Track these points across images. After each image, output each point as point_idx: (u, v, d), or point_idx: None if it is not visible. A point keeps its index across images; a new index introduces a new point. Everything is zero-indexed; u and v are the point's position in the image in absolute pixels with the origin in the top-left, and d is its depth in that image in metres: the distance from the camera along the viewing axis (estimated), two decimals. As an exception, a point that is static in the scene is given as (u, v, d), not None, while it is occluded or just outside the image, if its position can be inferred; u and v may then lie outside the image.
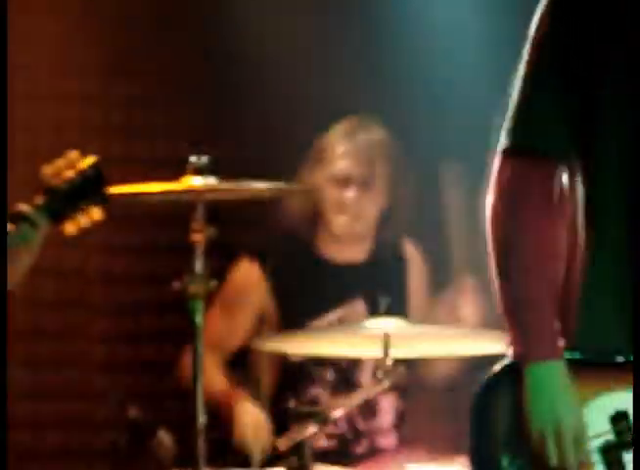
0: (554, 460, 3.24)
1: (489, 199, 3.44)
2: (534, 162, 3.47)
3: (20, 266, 3.96)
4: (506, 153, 3.42)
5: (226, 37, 6.72)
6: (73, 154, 4.01)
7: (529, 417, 3.35)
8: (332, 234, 5.77)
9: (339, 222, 5.71)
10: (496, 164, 3.44)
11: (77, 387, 6.34)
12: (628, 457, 3.22)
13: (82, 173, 4.01)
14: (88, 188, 4.03)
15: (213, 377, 5.36)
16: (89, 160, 4.01)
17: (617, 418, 3.34)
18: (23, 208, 3.88)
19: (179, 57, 6.81)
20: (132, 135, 5.76)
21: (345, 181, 5.69)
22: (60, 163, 3.98)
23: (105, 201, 4.05)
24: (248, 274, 5.71)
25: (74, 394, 6.37)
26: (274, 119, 6.51)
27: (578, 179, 3.48)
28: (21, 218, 3.87)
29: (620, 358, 3.35)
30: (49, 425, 6.34)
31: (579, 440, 3.32)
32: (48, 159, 4.08)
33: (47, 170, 3.95)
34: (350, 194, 5.71)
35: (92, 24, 6.62)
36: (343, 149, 5.77)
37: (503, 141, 3.45)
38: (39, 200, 3.91)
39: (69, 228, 3.94)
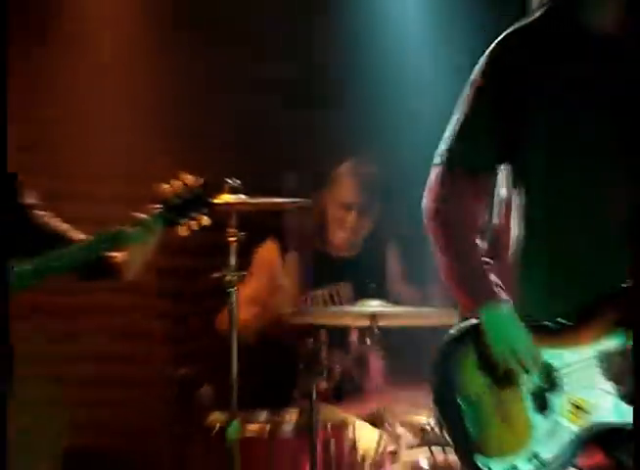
0: (520, 372, 4.02)
1: (427, 201, 4.27)
2: (460, 175, 4.23)
3: (136, 260, 4.80)
4: (440, 166, 4.23)
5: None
6: (187, 176, 4.72)
7: (493, 349, 4.06)
8: (331, 242, 6.85)
9: (338, 236, 6.78)
10: (434, 175, 4.25)
11: (142, 354, 7.12)
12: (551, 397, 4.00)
13: (192, 191, 4.71)
14: (196, 202, 4.73)
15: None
16: (198, 181, 4.71)
17: (544, 368, 4.04)
18: (141, 215, 4.58)
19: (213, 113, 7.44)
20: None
21: (349, 207, 6.68)
22: (175, 182, 4.65)
23: (208, 211, 4.77)
24: (269, 250, 6.77)
25: (140, 359, 7.11)
26: (288, 155, 7.21)
27: (515, 186, 4.29)
28: (139, 224, 4.58)
29: (546, 323, 4.11)
30: (116, 384, 7.05)
31: (534, 355, 4.03)
32: (145, 179, 4.86)
33: (165, 188, 4.62)
34: (351, 217, 6.72)
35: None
36: (350, 183, 6.72)
37: (442, 157, 4.25)
38: (156, 210, 4.62)
39: (182, 232, 4.67)
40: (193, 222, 4.67)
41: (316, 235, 6.80)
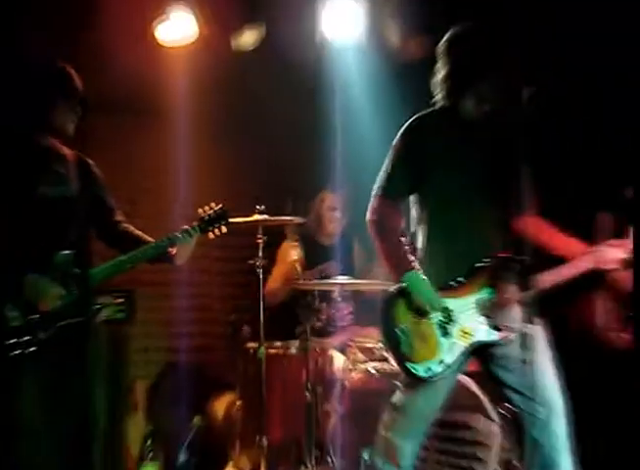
0: (430, 312, 4.12)
1: (369, 216, 4.40)
2: (387, 201, 4.38)
3: (182, 255, 4.66)
4: (377, 196, 4.38)
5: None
6: (212, 204, 4.74)
7: (413, 299, 4.19)
8: (325, 232, 6.68)
9: (330, 227, 6.66)
10: (373, 199, 4.42)
11: (208, 307, 6.98)
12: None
13: (216, 211, 4.71)
14: (220, 217, 4.72)
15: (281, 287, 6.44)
16: (219, 207, 4.73)
17: (444, 309, 4.17)
18: (187, 226, 4.63)
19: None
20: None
21: (334, 209, 6.60)
22: (207, 206, 4.68)
23: (227, 224, 4.76)
24: (289, 245, 6.46)
25: (207, 310, 6.96)
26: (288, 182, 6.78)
27: (423, 203, 4.39)
28: (186, 231, 4.59)
29: (452, 283, 4.20)
30: (193, 324, 6.88)
31: (438, 302, 4.11)
32: (190, 205, 5.03)
33: (200, 210, 4.69)
34: (337, 215, 6.63)
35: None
36: (332, 197, 6.62)
37: (377, 188, 4.39)
38: (195, 223, 4.64)
39: (211, 236, 4.72)
40: (216, 230, 4.71)
41: (315, 228, 6.67)
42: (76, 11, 5.91)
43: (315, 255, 6.64)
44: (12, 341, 4.07)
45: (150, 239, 4.67)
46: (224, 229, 4.78)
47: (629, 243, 4.42)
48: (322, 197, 6.71)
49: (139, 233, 4.72)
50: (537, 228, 4.26)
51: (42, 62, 4.54)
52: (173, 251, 4.66)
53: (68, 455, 3.74)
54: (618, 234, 4.70)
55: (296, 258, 6.39)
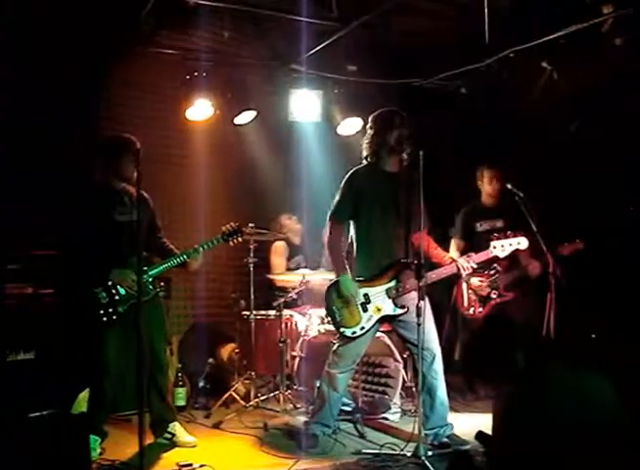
0: (354, 299, 4.31)
1: (325, 234, 4.55)
2: (337, 224, 4.47)
3: (193, 265, 4.56)
4: (330, 219, 4.47)
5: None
6: (231, 223, 4.64)
7: (343, 293, 4.34)
8: (292, 238, 6.44)
9: (294, 235, 6.45)
10: (327, 223, 4.50)
11: (220, 289, 6.56)
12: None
13: (233, 227, 4.61)
14: (237, 231, 4.61)
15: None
16: (234, 225, 4.62)
17: (363, 295, 4.34)
18: (213, 238, 4.58)
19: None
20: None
21: (294, 222, 6.44)
22: (227, 225, 4.60)
23: (241, 235, 4.66)
24: (277, 245, 6.29)
25: (219, 291, 6.57)
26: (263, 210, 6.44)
27: (355, 223, 4.46)
28: (211, 241, 4.55)
29: (370, 276, 4.35)
30: (210, 299, 6.59)
31: (353, 292, 4.30)
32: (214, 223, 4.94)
33: (224, 226, 4.61)
34: (298, 226, 6.49)
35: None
36: (290, 216, 6.45)
37: (329, 216, 4.49)
38: (219, 235, 4.58)
39: (231, 244, 4.63)
40: (235, 240, 4.66)
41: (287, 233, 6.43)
42: (140, 104, 6.03)
43: (292, 251, 6.42)
44: (101, 312, 4.27)
45: (177, 251, 4.60)
46: (240, 239, 4.71)
47: (475, 258, 4.52)
48: (288, 216, 6.47)
49: (172, 247, 4.67)
50: (425, 242, 4.33)
51: (116, 136, 4.62)
52: (192, 261, 4.57)
53: (140, 383, 3.70)
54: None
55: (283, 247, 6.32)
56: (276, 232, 6.11)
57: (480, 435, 3.66)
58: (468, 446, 4.31)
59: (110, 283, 4.34)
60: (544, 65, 5.73)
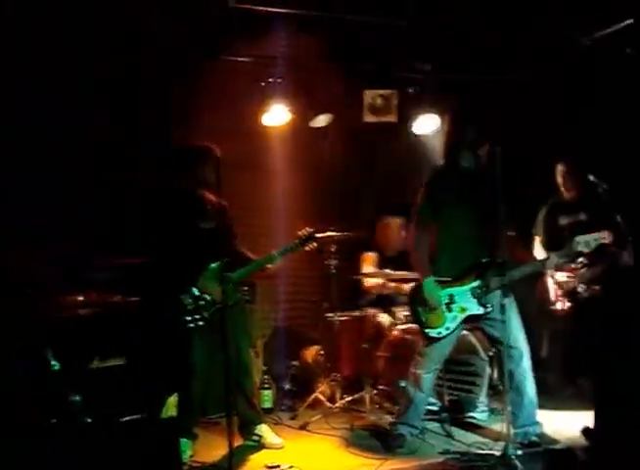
0: (436, 301, 4.29)
1: (408, 236, 4.59)
2: (420, 227, 4.46)
3: (274, 268, 4.67)
4: (413, 223, 4.48)
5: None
6: (306, 228, 4.63)
7: (426, 296, 4.35)
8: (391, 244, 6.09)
9: (394, 240, 6.06)
10: (410, 228, 4.55)
11: (300, 293, 6.61)
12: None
13: (309, 232, 4.61)
14: (312, 237, 4.61)
15: None
16: (310, 230, 4.62)
17: (448, 296, 4.33)
18: (291, 244, 4.59)
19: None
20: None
21: (397, 226, 6.06)
22: (302, 230, 4.60)
23: (316, 241, 4.65)
24: (369, 255, 6.08)
25: (303, 291, 6.61)
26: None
27: (438, 224, 4.42)
28: (291, 247, 4.58)
29: (453, 277, 4.32)
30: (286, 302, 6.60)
31: (441, 295, 4.32)
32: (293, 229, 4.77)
33: (299, 233, 4.60)
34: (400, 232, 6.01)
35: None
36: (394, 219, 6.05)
37: (412, 220, 4.50)
38: (296, 240, 4.57)
39: (306, 249, 4.62)
40: (311, 246, 4.65)
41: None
42: (216, 111, 5.96)
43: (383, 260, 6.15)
44: (188, 318, 4.36)
45: (252, 256, 4.64)
46: (315, 245, 4.70)
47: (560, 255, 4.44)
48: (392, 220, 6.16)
49: (248, 253, 4.69)
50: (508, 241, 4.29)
51: (197, 144, 4.70)
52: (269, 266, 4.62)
53: (228, 386, 3.88)
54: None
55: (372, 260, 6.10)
56: (370, 235, 6.05)
57: (586, 431, 3.68)
58: (559, 445, 4.25)
59: (195, 289, 4.42)
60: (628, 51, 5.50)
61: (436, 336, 4.38)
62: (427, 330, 4.41)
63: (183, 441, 4.28)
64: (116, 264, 4.85)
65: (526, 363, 4.35)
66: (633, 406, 2.91)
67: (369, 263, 6.16)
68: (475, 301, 4.33)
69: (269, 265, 4.62)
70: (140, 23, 5.20)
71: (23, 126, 4.92)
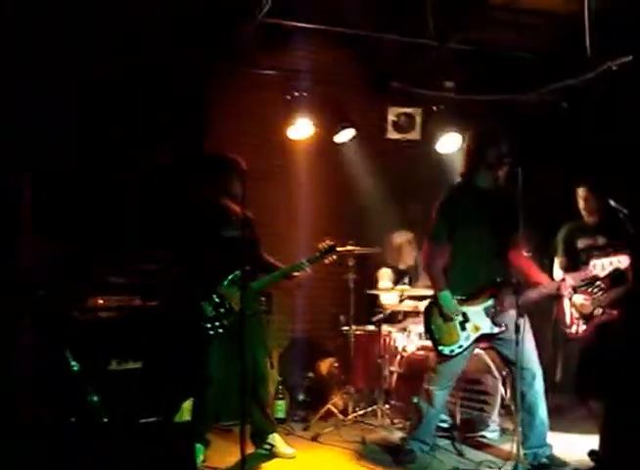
0: (452, 315, 4.31)
1: (423, 254, 4.62)
2: (435, 245, 4.47)
3: (301, 276, 4.74)
4: (428, 241, 4.49)
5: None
6: (327, 240, 4.69)
7: (442, 307, 4.36)
8: (404, 259, 6.12)
9: (407, 255, 6.10)
10: (425, 244, 4.54)
11: (316, 306, 6.46)
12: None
13: (330, 244, 4.69)
14: (331, 249, 4.68)
15: None
16: (330, 242, 4.69)
17: (462, 313, 4.35)
18: (312, 255, 4.66)
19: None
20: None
21: (410, 241, 6.09)
22: (323, 243, 4.67)
23: (336, 253, 4.73)
24: (384, 271, 6.08)
25: (317, 309, 6.50)
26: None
27: (452, 242, 4.42)
28: (312, 259, 4.66)
29: (468, 295, 4.36)
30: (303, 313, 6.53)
31: (457, 309, 4.32)
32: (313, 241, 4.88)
33: (320, 245, 4.69)
34: (412, 247, 6.07)
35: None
36: (406, 234, 6.08)
37: (428, 238, 4.50)
38: (317, 253, 4.65)
39: (326, 261, 4.71)
40: (330, 258, 4.73)
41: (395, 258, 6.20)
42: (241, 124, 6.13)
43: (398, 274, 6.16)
44: (208, 325, 4.40)
45: (280, 265, 4.71)
46: (335, 257, 4.78)
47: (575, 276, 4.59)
48: (404, 236, 6.17)
49: (273, 261, 4.77)
50: (522, 261, 4.38)
51: (224, 155, 4.73)
52: (296, 274, 4.71)
53: (243, 394, 3.91)
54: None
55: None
56: (382, 251, 6.02)
57: (593, 453, 3.71)
58: (568, 467, 4.25)
59: (216, 297, 4.47)
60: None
61: (449, 354, 4.39)
62: (440, 347, 4.42)
63: (196, 446, 4.30)
64: (139, 270, 4.91)
65: (539, 385, 4.34)
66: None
67: (384, 279, 6.17)
68: (488, 320, 4.36)
69: (296, 273, 4.68)
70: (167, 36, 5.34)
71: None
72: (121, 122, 5.50)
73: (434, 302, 4.46)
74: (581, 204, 5.52)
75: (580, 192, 5.52)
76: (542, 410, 4.36)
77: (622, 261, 4.37)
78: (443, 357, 4.45)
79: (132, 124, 5.56)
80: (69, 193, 5.20)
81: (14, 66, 4.91)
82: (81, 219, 5.20)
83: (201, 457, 4.41)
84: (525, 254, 4.41)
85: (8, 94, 4.84)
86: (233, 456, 4.26)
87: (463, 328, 4.39)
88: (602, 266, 4.34)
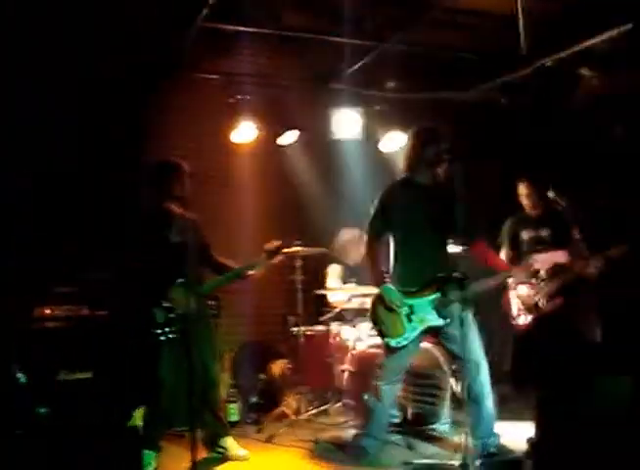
0: (397, 307, 4.32)
1: (364, 247, 4.60)
2: (372, 237, 4.54)
3: (254, 273, 4.68)
4: (366, 234, 4.57)
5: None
6: (273, 241, 4.66)
7: (386, 299, 4.38)
8: (351, 255, 6.12)
9: (355, 251, 6.01)
10: (365, 237, 4.59)
11: (266, 308, 6.54)
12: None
13: (275, 245, 4.61)
14: (277, 251, 4.60)
15: None
16: (277, 242, 4.64)
17: (407, 305, 4.37)
18: (259, 257, 4.61)
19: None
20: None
21: (358, 237, 5.92)
22: (269, 243, 4.63)
23: (282, 253, 4.70)
24: (334, 267, 6.09)
25: (267, 311, 6.56)
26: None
27: (394, 236, 4.50)
28: (260, 260, 4.60)
29: (413, 289, 4.39)
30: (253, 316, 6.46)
31: (402, 301, 4.34)
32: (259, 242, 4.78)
33: (266, 245, 4.64)
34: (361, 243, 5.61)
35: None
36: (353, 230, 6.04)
37: (367, 230, 4.57)
38: (264, 254, 4.60)
39: (274, 262, 4.68)
40: (277, 258, 4.71)
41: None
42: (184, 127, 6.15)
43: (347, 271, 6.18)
44: (158, 331, 4.34)
45: (233, 265, 4.68)
46: (282, 257, 4.78)
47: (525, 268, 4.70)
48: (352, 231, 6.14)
49: (226, 262, 4.75)
50: (485, 251, 4.50)
51: (165, 159, 4.71)
52: (249, 273, 4.69)
53: (193, 397, 3.92)
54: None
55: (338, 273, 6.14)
56: (328, 249, 6.03)
57: (529, 439, 3.63)
58: (515, 455, 4.29)
59: (165, 302, 4.44)
60: (584, 72, 5.74)
61: (396, 345, 4.43)
62: (387, 339, 4.46)
63: (148, 453, 4.32)
64: (85, 279, 4.87)
65: (484, 376, 4.37)
66: (572, 416, 3.00)
67: (333, 276, 6.20)
68: (434, 312, 4.40)
69: (250, 272, 4.67)
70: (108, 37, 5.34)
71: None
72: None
73: (380, 294, 4.50)
74: (523, 198, 5.63)
75: (521, 187, 5.63)
76: (489, 400, 4.41)
77: (562, 256, 4.48)
78: (390, 350, 4.49)
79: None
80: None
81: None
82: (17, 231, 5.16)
83: (153, 464, 4.39)
84: (483, 243, 4.52)
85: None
86: (186, 462, 4.06)
87: (409, 320, 4.43)
88: (542, 261, 4.43)
